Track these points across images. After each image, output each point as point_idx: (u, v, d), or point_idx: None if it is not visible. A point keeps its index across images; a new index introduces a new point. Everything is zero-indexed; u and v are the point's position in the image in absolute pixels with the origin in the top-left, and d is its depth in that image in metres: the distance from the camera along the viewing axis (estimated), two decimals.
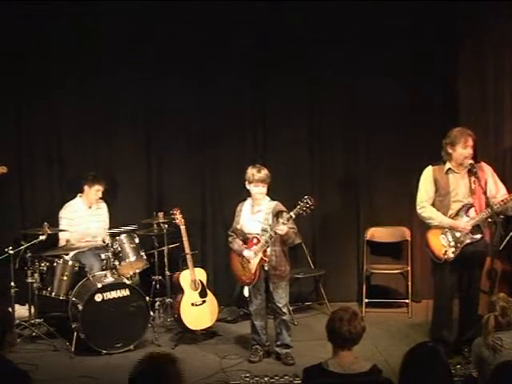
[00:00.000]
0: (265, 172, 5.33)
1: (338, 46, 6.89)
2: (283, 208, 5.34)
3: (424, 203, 5.25)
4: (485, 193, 5.00)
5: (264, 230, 5.28)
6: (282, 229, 5.15)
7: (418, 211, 5.30)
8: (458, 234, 5.13)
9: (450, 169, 5.20)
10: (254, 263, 5.32)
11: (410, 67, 6.96)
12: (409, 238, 6.93)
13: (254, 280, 5.35)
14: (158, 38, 6.82)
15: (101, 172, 6.57)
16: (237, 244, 5.44)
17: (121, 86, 6.83)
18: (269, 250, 5.29)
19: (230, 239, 5.53)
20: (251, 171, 5.33)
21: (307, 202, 5.11)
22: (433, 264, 5.31)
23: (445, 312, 5.31)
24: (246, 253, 5.33)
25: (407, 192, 6.84)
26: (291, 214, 5.14)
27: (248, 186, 5.36)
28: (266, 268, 5.33)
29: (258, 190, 5.32)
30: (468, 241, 5.12)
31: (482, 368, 3.58)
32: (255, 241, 5.31)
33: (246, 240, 5.39)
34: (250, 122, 7.12)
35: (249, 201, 5.46)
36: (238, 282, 5.69)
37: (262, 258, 5.28)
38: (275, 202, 5.40)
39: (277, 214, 5.31)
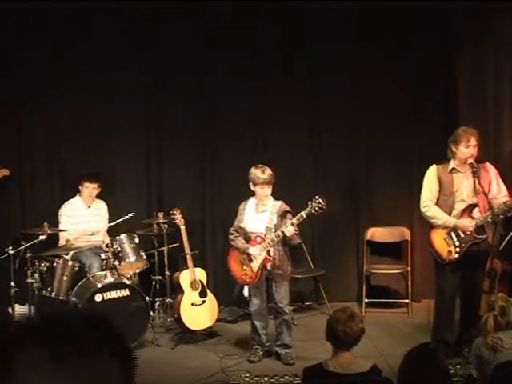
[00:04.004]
0: (269, 172, 5.27)
1: (338, 46, 6.89)
2: (288, 208, 5.34)
3: (428, 202, 5.24)
4: (485, 193, 5.00)
5: (268, 230, 5.27)
6: (290, 230, 5.13)
7: (422, 210, 5.28)
8: (462, 234, 5.12)
9: (454, 168, 5.19)
10: (257, 262, 5.30)
11: (409, 67, 6.95)
12: (409, 238, 6.93)
13: (256, 279, 5.34)
14: (158, 36, 6.83)
15: (100, 172, 6.59)
16: (240, 242, 5.40)
17: (120, 85, 6.84)
18: (272, 249, 5.28)
19: (231, 237, 5.47)
20: (255, 172, 5.27)
21: (319, 202, 5.10)
22: (435, 264, 5.30)
23: (447, 312, 5.30)
24: (252, 250, 5.29)
25: (407, 192, 6.87)
26: (302, 213, 5.12)
27: (253, 188, 5.31)
28: (269, 267, 5.32)
29: (264, 192, 5.28)
30: (472, 241, 5.11)
31: (482, 368, 3.59)
32: (259, 239, 5.28)
33: (248, 239, 5.37)
34: (250, 123, 7.11)
35: (253, 200, 5.43)
36: (238, 280, 5.65)
37: (265, 257, 5.27)
38: (280, 202, 5.38)
39: (282, 215, 5.30)
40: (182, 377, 5.14)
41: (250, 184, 5.32)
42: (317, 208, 5.11)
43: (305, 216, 5.13)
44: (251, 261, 5.33)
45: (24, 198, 6.93)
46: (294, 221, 5.14)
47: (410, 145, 7.06)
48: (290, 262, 5.44)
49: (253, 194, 5.40)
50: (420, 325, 6.05)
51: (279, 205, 5.35)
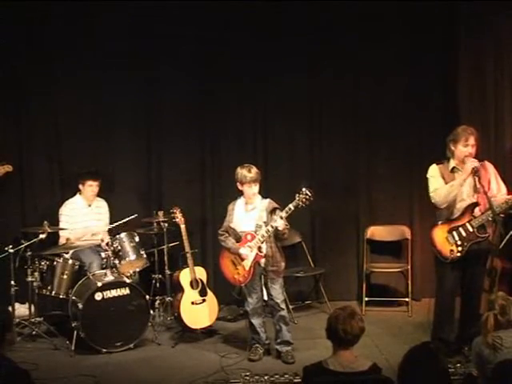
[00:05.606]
0: (255, 171, 5.32)
1: (339, 45, 6.90)
2: (276, 205, 5.36)
3: (435, 191, 5.17)
4: (485, 192, 5.00)
5: (259, 227, 5.28)
6: (280, 223, 5.14)
7: (433, 197, 5.15)
8: (464, 233, 5.12)
9: (454, 167, 5.19)
10: (249, 260, 5.31)
11: (409, 67, 6.97)
12: (409, 237, 6.94)
13: (249, 278, 5.35)
14: (158, 36, 6.82)
15: (100, 171, 6.59)
16: (231, 242, 5.41)
17: (120, 85, 6.83)
18: (264, 246, 5.29)
19: (221, 238, 5.48)
20: (241, 172, 5.31)
21: (306, 194, 5.10)
22: (436, 262, 5.29)
23: (446, 310, 5.29)
24: (243, 250, 5.30)
25: (407, 191, 6.89)
26: (290, 206, 5.12)
27: (241, 187, 5.35)
28: (263, 264, 5.33)
29: (251, 191, 5.32)
30: (474, 239, 5.10)
31: (482, 367, 3.59)
32: (249, 237, 5.30)
33: (239, 239, 5.38)
34: (250, 122, 7.12)
35: (241, 200, 5.46)
36: (231, 282, 5.55)
37: (257, 254, 5.28)
38: (268, 200, 5.41)
39: (272, 211, 5.32)
40: (182, 375, 5.14)
41: (238, 184, 5.36)
42: (304, 199, 5.10)
43: (293, 208, 5.12)
44: (243, 259, 5.33)
45: (24, 196, 6.93)
46: (283, 214, 5.15)
47: (410, 144, 7.05)
48: (283, 258, 5.44)
49: (241, 193, 5.42)
50: (420, 323, 6.06)
51: (267, 202, 5.38)
